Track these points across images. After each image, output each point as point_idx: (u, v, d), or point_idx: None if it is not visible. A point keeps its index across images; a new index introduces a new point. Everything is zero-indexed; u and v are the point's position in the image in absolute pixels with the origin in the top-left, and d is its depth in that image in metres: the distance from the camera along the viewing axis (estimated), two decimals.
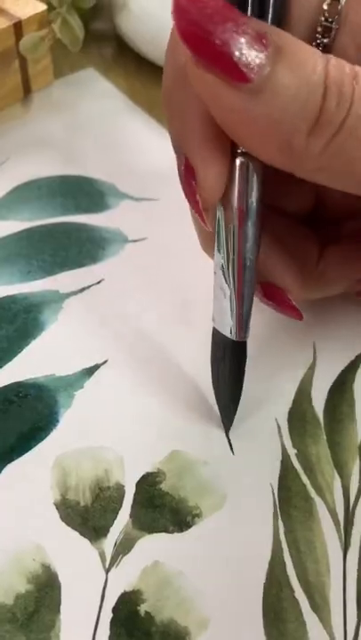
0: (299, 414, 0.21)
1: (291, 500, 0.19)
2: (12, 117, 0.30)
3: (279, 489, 0.19)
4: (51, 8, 0.30)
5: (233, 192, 0.16)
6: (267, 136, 0.14)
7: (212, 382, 0.20)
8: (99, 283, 0.24)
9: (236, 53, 0.13)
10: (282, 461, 0.20)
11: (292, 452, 0.20)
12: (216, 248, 0.17)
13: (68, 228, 0.26)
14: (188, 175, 0.16)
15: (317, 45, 0.15)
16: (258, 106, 0.13)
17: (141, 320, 0.23)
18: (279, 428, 0.21)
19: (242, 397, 0.21)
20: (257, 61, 0.13)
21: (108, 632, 0.17)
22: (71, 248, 0.25)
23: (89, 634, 0.17)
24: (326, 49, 0.15)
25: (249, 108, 0.13)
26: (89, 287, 0.24)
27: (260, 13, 0.14)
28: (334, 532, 0.19)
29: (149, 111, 0.31)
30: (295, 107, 0.13)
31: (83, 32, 0.30)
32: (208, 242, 0.19)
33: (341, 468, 0.20)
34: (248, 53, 0.13)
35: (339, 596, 0.18)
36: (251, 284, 0.18)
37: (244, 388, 0.20)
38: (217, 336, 0.19)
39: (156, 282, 0.24)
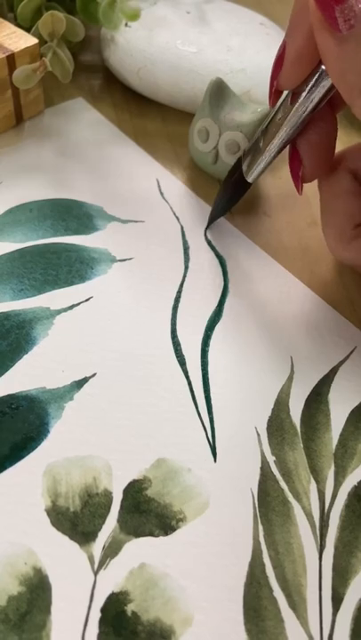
0: (277, 423, 0.22)
1: (270, 504, 0.20)
2: (5, 144, 0.32)
3: (259, 494, 0.21)
4: (42, 42, 0.31)
5: (306, 85, 0.21)
6: (340, 73, 0.19)
7: (217, 195, 0.28)
8: (87, 300, 0.25)
9: (338, 9, 0.17)
10: (261, 468, 0.21)
11: (270, 458, 0.21)
12: (270, 115, 0.24)
13: (59, 248, 0.27)
14: (280, 58, 0.21)
15: None
16: (341, 52, 0.18)
17: (128, 335, 0.24)
18: (259, 436, 0.22)
19: (224, 407, 0.22)
20: (351, 21, 0.17)
21: (96, 631, 0.18)
22: (61, 267, 0.26)
23: (78, 633, 0.18)
24: None
25: (335, 49, 0.18)
26: (78, 304, 0.25)
27: None
28: (310, 535, 0.20)
29: (135, 139, 0.33)
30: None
31: (73, 65, 0.32)
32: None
33: (317, 474, 0.21)
34: (348, 12, 0.17)
35: (315, 595, 0.19)
36: (276, 146, 0.24)
37: (225, 398, 0.22)
38: (237, 168, 0.27)
39: (142, 299, 0.26)
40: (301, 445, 0.22)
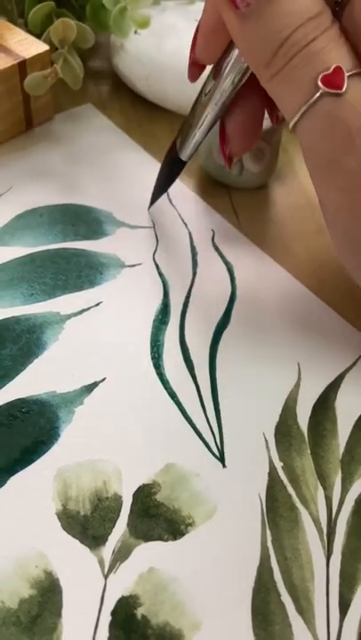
0: (285, 429, 0.23)
1: (277, 509, 0.21)
2: (15, 149, 0.32)
3: (267, 499, 0.21)
4: (53, 48, 0.32)
5: (224, 61, 0.22)
6: (246, 50, 0.20)
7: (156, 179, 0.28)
8: (97, 305, 0.26)
9: None
10: (269, 473, 0.21)
11: (278, 464, 0.22)
12: (200, 91, 0.24)
13: (68, 253, 0.27)
14: (195, 33, 0.23)
15: None
16: (243, 29, 0.19)
17: (137, 340, 0.25)
18: (267, 442, 0.22)
19: (232, 412, 0.22)
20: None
21: (106, 634, 0.18)
22: (71, 272, 0.27)
23: (89, 636, 0.18)
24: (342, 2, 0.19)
25: (238, 26, 0.19)
26: (88, 309, 0.25)
27: None
28: (318, 540, 0.20)
29: (144, 145, 0.33)
30: (261, 42, 0.19)
31: (83, 71, 0.32)
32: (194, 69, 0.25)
33: (325, 480, 0.21)
34: None
35: (322, 600, 0.19)
36: (205, 122, 0.24)
37: (234, 404, 0.22)
38: (172, 150, 0.26)
39: (151, 304, 0.26)
40: (309, 451, 0.22)
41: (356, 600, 0.19)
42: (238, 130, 0.24)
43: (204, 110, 0.24)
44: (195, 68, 0.24)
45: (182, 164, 0.26)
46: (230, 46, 0.22)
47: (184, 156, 0.26)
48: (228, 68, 0.22)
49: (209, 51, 0.22)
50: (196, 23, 0.35)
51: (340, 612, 0.19)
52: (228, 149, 0.25)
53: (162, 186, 0.28)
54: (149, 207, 0.29)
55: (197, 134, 0.25)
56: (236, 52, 0.21)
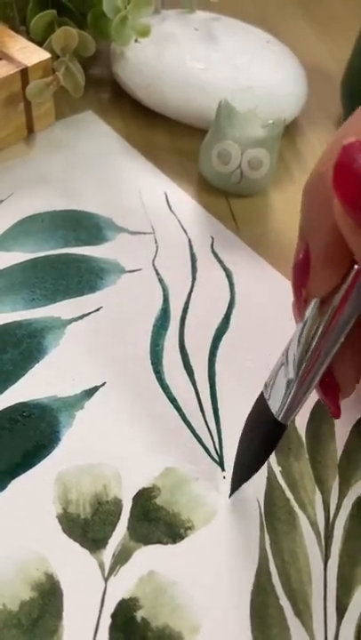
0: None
1: (276, 513, 0.21)
2: (16, 155, 0.32)
3: (265, 503, 0.21)
4: (54, 56, 0.32)
5: (339, 293, 0.17)
6: None
7: (240, 442, 0.21)
8: (97, 310, 0.26)
9: None
10: (268, 478, 0.22)
11: (276, 469, 0.22)
12: (297, 335, 0.18)
13: (69, 259, 0.28)
14: (304, 265, 0.17)
15: None
16: None
17: (137, 345, 0.25)
18: None
19: (231, 417, 0.23)
20: None
21: (107, 637, 0.18)
22: (72, 278, 0.27)
23: (89, 638, 0.18)
24: None
25: None
26: (88, 314, 0.26)
27: None
28: (316, 544, 0.20)
29: (144, 152, 0.34)
30: None
31: (84, 79, 0.32)
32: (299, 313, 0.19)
33: (322, 485, 0.22)
34: None
35: (320, 603, 0.19)
36: (315, 380, 0.18)
37: (233, 409, 0.22)
38: (262, 404, 0.19)
39: (150, 310, 0.26)
40: (307, 456, 0.22)
41: (353, 604, 0.19)
42: (351, 374, 0.20)
43: (316, 357, 0.18)
44: (303, 306, 0.18)
45: (283, 428, 0.19)
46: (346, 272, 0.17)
47: (284, 419, 0.19)
48: (338, 300, 0.17)
49: (328, 281, 0.17)
50: (197, 32, 0.36)
51: (338, 616, 0.19)
52: (340, 397, 0.20)
53: (258, 457, 0.20)
54: (231, 494, 0.21)
55: (308, 389, 0.18)
56: (353, 277, 0.16)
